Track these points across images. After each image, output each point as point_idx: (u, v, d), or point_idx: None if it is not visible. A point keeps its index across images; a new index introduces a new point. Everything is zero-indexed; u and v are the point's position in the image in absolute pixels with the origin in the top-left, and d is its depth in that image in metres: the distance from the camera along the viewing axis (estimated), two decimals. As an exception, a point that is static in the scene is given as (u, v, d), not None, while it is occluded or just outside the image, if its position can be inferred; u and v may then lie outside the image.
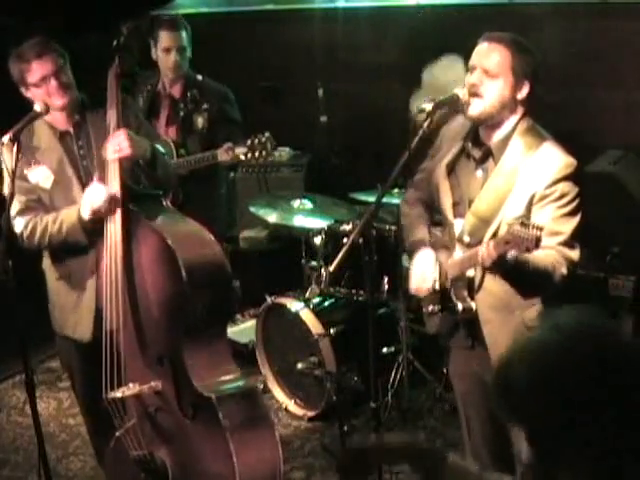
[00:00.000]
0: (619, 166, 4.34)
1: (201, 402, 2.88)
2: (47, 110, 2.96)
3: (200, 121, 4.36)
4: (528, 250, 2.31)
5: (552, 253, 2.52)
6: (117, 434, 3.04)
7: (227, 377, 3.02)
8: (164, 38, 4.29)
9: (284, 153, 5.61)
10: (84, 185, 3.07)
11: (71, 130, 3.12)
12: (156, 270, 2.96)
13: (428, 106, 2.58)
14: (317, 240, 4.34)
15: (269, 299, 4.30)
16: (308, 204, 4.43)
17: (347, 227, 4.21)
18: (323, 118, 5.19)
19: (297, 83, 5.59)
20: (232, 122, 4.45)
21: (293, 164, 5.55)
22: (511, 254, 2.35)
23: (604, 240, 4.13)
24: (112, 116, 3.03)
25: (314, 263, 4.39)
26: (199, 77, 4.46)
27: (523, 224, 2.27)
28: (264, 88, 5.78)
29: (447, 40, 4.83)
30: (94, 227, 2.99)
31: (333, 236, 4.28)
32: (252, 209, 4.50)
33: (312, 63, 5.49)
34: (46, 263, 3.24)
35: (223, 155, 4.11)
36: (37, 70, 2.97)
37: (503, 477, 1.85)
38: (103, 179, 3.01)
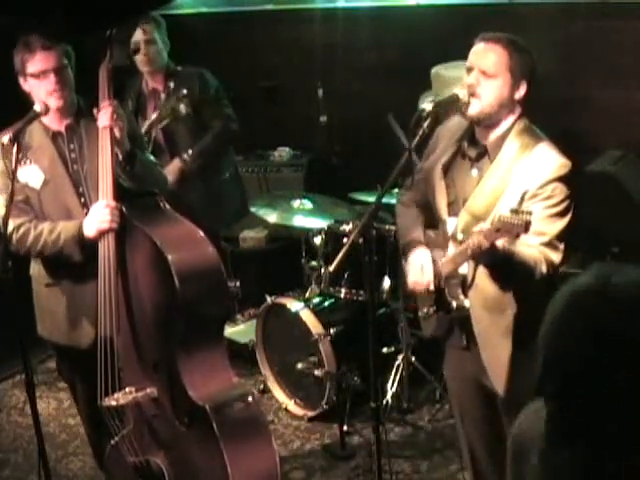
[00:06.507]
0: (619, 166, 4.33)
1: (196, 411, 2.83)
2: (47, 110, 2.92)
3: (182, 107, 4.34)
4: (518, 236, 2.33)
5: (534, 251, 2.54)
6: (112, 442, 2.99)
7: (222, 385, 2.95)
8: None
9: (284, 153, 5.61)
10: (75, 187, 3.02)
11: (63, 131, 3.04)
12: (149, 275, 2.90)
13: (428, 106, 2.59)
14: (317, 240, 4.34)
15: (269, 299, 4.30)
16: (308, 204, 4.42)
17: (347, 227, 4.21)
18: (323, 118, 5.19)
19: (297, 83, 5.58)
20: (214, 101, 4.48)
21: (293, 164, 5.55)
22: (501, 242, 2.36)
23: (604, 240, 4.13)
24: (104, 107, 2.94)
25: (314, 263, 4.39)
26: (178, 68, 4.47)
27: (512, 211, 2.31)
28: (264, 88, 5.78)
29: (447, 40, 4.83)
30: (91, 243, 2.92)
31: (333, 236, 4.27)
32: (252, 209, 4.50)
33: (312, 63, 5.49)
34: (35, 269, 3.15)
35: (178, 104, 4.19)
36: (40, 61, 2.89)
37: None
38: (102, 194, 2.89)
